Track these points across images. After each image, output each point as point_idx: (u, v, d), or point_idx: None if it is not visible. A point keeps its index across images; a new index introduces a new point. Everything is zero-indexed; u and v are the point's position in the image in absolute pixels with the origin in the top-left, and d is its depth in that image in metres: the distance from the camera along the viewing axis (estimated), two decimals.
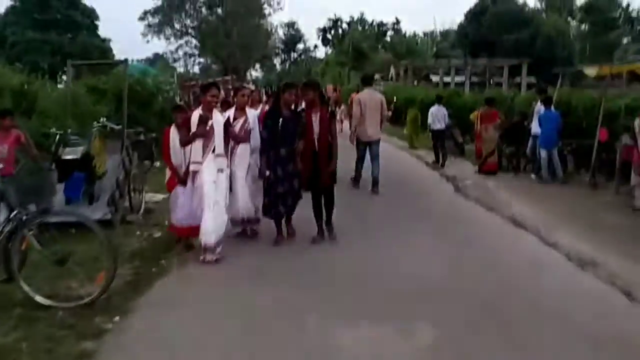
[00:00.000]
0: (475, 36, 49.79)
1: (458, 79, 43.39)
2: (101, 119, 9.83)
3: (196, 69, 71.70)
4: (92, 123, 10.06)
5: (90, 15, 44.99)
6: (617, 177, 9.72)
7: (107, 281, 4.54)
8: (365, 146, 9.56)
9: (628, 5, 58.64)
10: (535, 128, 11.20)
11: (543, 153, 10.77)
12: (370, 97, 9.58)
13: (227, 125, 6.18)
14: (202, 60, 71.48)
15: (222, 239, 5.89)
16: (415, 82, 44.02)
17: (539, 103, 11.41)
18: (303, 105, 6.88)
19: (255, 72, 79.75)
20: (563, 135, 10.98)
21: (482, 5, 50.52)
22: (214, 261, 5.80)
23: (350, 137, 9.75)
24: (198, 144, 5.84)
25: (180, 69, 63.76)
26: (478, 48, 48.10)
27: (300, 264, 5.91)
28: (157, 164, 11.44)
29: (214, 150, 5.88)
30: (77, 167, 7.35)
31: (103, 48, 43.96)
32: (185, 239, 6.35)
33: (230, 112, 6.61)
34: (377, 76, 56.79)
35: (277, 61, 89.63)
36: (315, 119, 6.43)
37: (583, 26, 60.43)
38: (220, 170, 5.94)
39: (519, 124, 12.16)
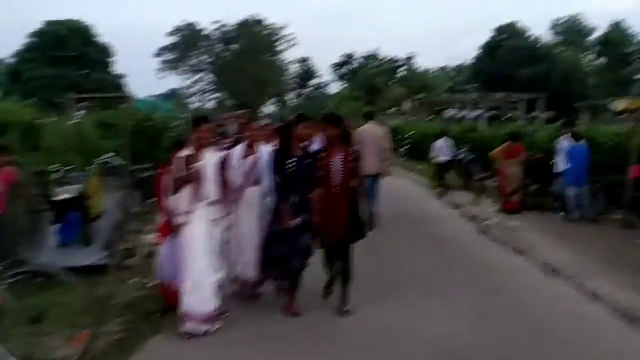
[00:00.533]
0: (490, 70, 49.55)
1: (474, 113, 43.05)
2: (108, 155, 9.47)
3: (212, 105, 72.14)
4: (98, 159, 9.72)
5: (105, 51, 45.46)
6: None
7: (88, 341, 3.97)
8: (366, 179, 9.22)
9: None
10: (561, 164, 10.57)
11: (571, 190, 10.11)
12: (371, 131, 9.57)
13: (223, 166, 5.32)
14: (216, 96, 72.04)
15: (214, 308, 4.97)
16: (430, 117, 43.71)
17: (562, 138, 10.82)
18: (315, 142, 6.12)
19: (267, 108, 79.84)
20: (590, 171, 10.34)
21: (497, 40, 50.44)
22: (203, 334, 4.85)
23: None
24: (186, 191, 5.02)
25: (196, 105, 64.18)
26: (493, 82, 47.83)
27: (309, 327, 5.14)
28: None
29: (205, 198, 5.06)
30: (73, 206, 6.87)
31: (117, 84, 44.27)
32: (174, 304, 5.08)
33: (239, 150, 5.73)
34: (391, 110, 56.83)
35: (291, 96, 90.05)
36: (337, 162, 5.35)
37: (598, 61, 60.14)
38: (214, 222, 5.10)
39: (544, 159, 11.54)
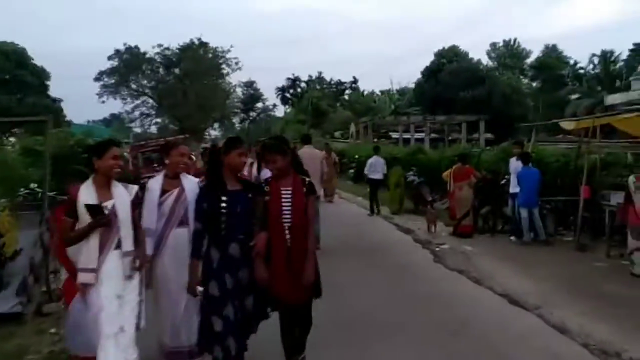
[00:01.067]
0: (432, 93, 50.35)
1: (417, 135, 43.45)
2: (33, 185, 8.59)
3: (154, 129, 70.53)
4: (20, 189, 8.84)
5: (40, 75, 43.60)
6: (609, 239, 8.89)
7: None
8: None
9: (575, 62, 60.91)
10: (513, 186, 10.37)
11: (524, 213, 9.89)
12: (309, 155, 9.40)
13: (136, 204, 4.10)
14: (159, 120, 70.45)
15: None
16: (375, 139, 43.87)
17: (514, 159, 10.65)
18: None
19: (215, 132, 78.89)
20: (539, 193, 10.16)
21: (438, 63, 51.40)
22: None
23: None
24: (92, 241, 3.81)
25: (138, 130, 62.53)
26: (435, 105, 48.59)
27: None
28: None
29: (117, 247, 3.88)
30: None
31: (53, 109, 42.35)
32: None
33: (157, 183, 4.50)
34: (337, 134, 56.88)
35: (236, 120, 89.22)
36: (287, 197, 4.10)
37: (534, 83, 62.33)
38: (129, 278, 3.94)
39: (493, 181, 11.35)
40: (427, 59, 55.11)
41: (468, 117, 43.15)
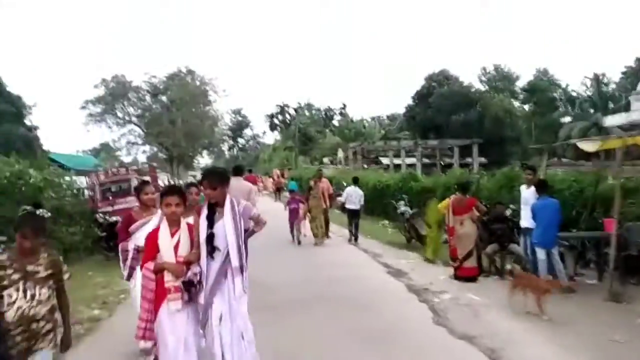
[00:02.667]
0: (423, 118, 49.09)
1: (408, 160, 42.01)
2: None
3: (142, 158, 69.04)
4: None
5: (15, 103, 41.81)
6: None
7: None
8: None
9: (567, 85, 60.03)
10: (525, 220, 8.65)
11: (540, 253, 8.13)
12: (237, 187, 9.05)
13: None
14: (146, 149, 68.88)
15: None
16: (365, 165, 42.34)
17: (524, 187, 8.96)
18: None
19: (203, 159, 77.39)
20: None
21: (429, 87, 50.22)
22: None
23: None
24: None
25: (127, 158, 60.93)
26: (426, 129, 47.29)
27: None
28: None
29: None
30: None
31: (28, 137, 40.52)
32: None
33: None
34: (325, 160, 55.43)
35: (225, 147, 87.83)
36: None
37: (526, 106, 61.30)
38: None
39: (500, 214, 9.61)
40: (418, 85, 54.05)
41: (461, 141, 41.83)
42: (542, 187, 8.26)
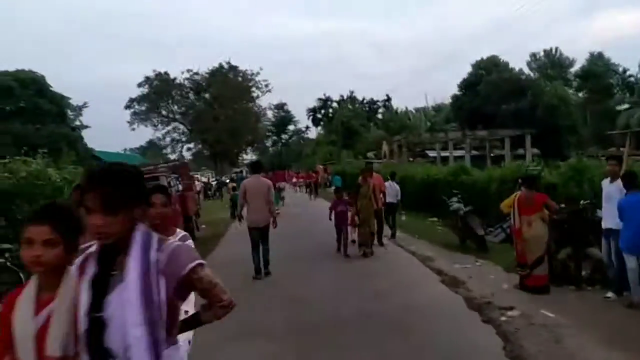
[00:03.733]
0: (471, 107, 46.96)
1: (456, 153, 40.21)
2: None
3: (187, 155, 69.67)
4: None
5: (59, 102, 41.96)
6: None
7: None
8: (254, 232, 9.59)
9: (625, 70, 56.59)
10: (608, 220, 7.18)
11: (630, 261, 6.66)
12: (256, 184, 9.61)
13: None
14: (190, 146, 69.25)
15: None
16: (410, 159, 40.74)
17: (607, 182, 7.48)
18: None
19: (247, 155, 77.50)
20: None
21: (476, 75, 48.02)
22: None
23: (238, 219, 10.25)
24: None
25: (172, 156, 61.35)
26: (474, 120, 45.18)
27: None
28: None
29: None
30: None
31: (71, 137, 40.57)
32: None
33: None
34: (370, 154, 53.94)
35: (268, 143, 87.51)
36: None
37: (580, 94, 58.13)
38: None
39: (576, 212, 8.13)
40: (463, 73, 51.87)
41: (512, 131, 39.67)
42: (632, 181, 6.76)
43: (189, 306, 2.94)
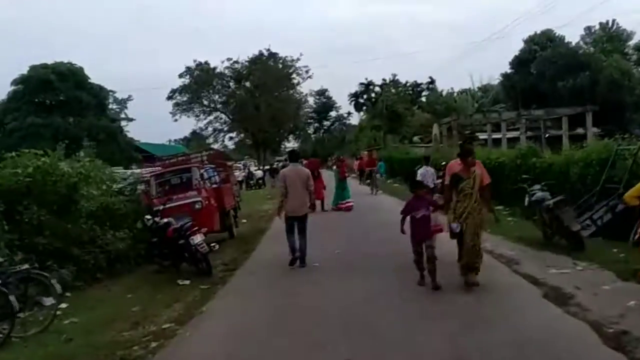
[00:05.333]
0: (524, 85, 44.11)
1: (510, 134, 37.73)
2: None
3: (230, 145, 69.25)
4: None
5: (98, 94, 41.40)
6: None
7: None
8: (292, 221, 9.37)
9: None
10: None
11: None
12: (295, 173, 9.55)
13: None
14: (232, 135, 68.59)
15: None
16: (460, 142, 38.47)
17: None
18: None
19: (289, 143, 76.37)
20: None
21: (529, 51, 45.05)
22: None
23: (278, 211, 9.78)
24: None
25: (215, 146, 60.82)
26: (528, 99, 42.43)
27: None
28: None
29: None
30: None
31: (111, 128, 39.99)
32: None
33: None
34: (415, 138, 51.69)
35: (310, 130, 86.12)
36: None
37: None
38: None
39: None
40: (510, 52, 48.87)
41: (571, 109, 36.84)
42: None
43: None
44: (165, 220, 9.24)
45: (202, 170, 12.59)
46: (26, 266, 6.81)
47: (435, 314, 6.25)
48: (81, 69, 41.28)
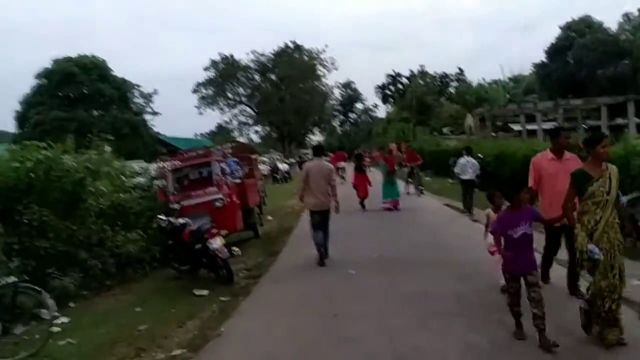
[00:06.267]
0: (561, 74, 42.17)
1: (545, 125, 36.02)
2: None
3: (256, 138, 68.67)
4: None
5: (121, 87, 40.78)
6: None
7: None
8: (316, 215, 9.04)
9: None
10: None
11: None
12: (318, 167, 9.28)
13: None
14: (258, 128, 67.89)
15: None
16: (493, 133, 36.86)
17: None
18: None
19: (315, 136, 75.42)
20: None
21: (566, 38, 43.04)
22: None
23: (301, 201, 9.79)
24: None
25: (240, 140, 60.17)
26: (565, 88, 40.52)
27: None
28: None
29: None
30: None
31: (134, 122, 39.28)
32: None
33: None
34: (445, 129, 50.18)
35: (336, 123, 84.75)
36: None
37: None
38: None
39: None
40: (541, 41, 46.86)
41: (611, 98, 34.98)
42: None
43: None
44: (182, 221, 8.19)
45: (223, 164, 11.51)
46: (13, 279, 5.82)
47: None
48: (104, 61, 40.70)
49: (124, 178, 10.90)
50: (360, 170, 16.64)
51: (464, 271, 7.48)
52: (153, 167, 12.21)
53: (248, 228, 11.79)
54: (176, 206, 8.96)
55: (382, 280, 7.53)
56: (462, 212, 14.01)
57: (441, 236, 10.81)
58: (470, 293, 6.41)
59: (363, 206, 15.70)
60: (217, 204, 10.10)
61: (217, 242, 7.56)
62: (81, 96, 38.93)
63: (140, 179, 11.90)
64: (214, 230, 7.78)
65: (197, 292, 7.43)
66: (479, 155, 17.49)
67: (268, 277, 8.13)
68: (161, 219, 8.32)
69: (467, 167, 14.15)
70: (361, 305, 6.29)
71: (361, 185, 16.16)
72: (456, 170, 14.81)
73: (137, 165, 13.51)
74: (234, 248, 7.89)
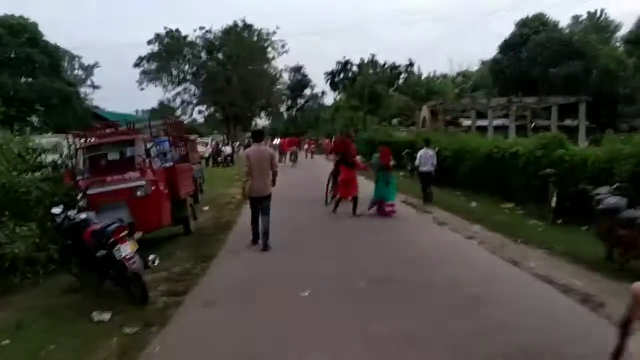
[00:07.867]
0: (514, 71, 41.66)
1: (496, 122, 35.36)
2: None
3: (199, 118, 66.13)
4: None
5: (53, 54, 37.17)
6: None
7: None
8: (255, 202, 8.96)
9: None
10: None
11: None
12: (257, 153, 9.06)
13: None
14: (202, 108, 65.20)
15: None
16: (444, 127, 35.99)
17: None
18: None
19: (261, 120, 73.56)
20: None
21: (520, 35, 42.54)
22: None
23: (243, 193, 9.37)
24: None
25: (184, 118, 57.78)
26: (516, 85, 40.02)
27: None
28: None
29: None
30: None
31: (65, 92, 35.74)
32: None
33: None
34: (394, 121, 49.10)
35: (283, 108, 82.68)
36: None
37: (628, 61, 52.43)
38: None
39: None
40: (491, 39, 46.47)
41: (564, 98, 34.60)
42: None
43: None
44: (83, 216, 6.18)
45: (151, 144, 9.42)
46: None
47: None
48: (34, 24, 36.89)
49: (26, 156, 8.73)
50: (347, 164, 12.57)
51: (454, 297, 5.84)
52: (65, 144, 9.98)
53: (178, 222, 9.77)
54: (96, 190, 6.90)
55: (344, 310, 5.70)
56: (423, 212, 12.82)
57: (411, 244, 9.15)
58: (474, 336, 4.74)
59: (353, 210, 12.09)
60: (139, 192, 8.10)
61: (126, 249, 5.59)
62: (7, 60, 35.09)
63: (50, 157, 9.77)
64: (123, 233, 5.77)
65: (97, 316, 5.42)
66: (436, 147, 16.25)
67: (195, 296, 6.11)
68: (55, 212, 6.29)
69: (427, 158, 14.11)
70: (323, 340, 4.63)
71: (352, 182, 12.28)
72: (416, 162, 14.59)
73: (45, 140, 11.22)
74: (151, 256, 5.90)
